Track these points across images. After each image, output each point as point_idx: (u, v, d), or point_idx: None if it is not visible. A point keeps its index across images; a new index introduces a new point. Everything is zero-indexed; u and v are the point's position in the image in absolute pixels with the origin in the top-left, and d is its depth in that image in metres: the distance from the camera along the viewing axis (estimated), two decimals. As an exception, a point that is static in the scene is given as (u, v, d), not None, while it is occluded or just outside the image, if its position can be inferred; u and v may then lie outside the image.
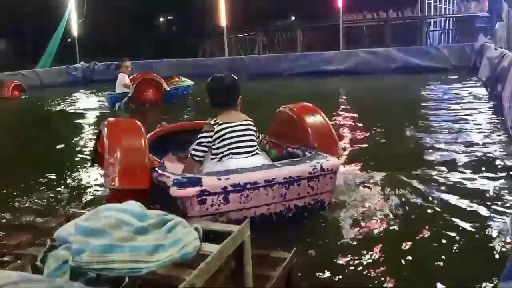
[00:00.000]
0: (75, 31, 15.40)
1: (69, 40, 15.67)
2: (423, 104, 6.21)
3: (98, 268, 1.30)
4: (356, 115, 5.67)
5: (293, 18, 21.44)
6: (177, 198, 2.10)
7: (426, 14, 16.29)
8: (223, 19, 13.57)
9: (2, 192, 2.96)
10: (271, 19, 18.26)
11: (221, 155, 2.42)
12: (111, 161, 2.17)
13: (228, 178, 2.14)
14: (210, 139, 2.42)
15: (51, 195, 2.66)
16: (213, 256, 1.38)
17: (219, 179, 2.12)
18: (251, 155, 2.46)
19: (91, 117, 6.87)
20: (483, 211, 2.38)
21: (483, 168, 3.11)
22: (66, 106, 8.46)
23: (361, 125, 5.04)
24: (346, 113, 5.94)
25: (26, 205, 2.31)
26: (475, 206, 2.43)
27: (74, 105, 8.47)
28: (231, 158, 2.41)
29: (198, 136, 2.45)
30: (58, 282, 0.89)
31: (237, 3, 14.66)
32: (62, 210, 1.88)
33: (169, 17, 27.42)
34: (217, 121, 2.45)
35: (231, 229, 1.61)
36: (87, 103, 8.60)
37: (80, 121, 6.51)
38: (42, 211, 1.91)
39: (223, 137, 2.42)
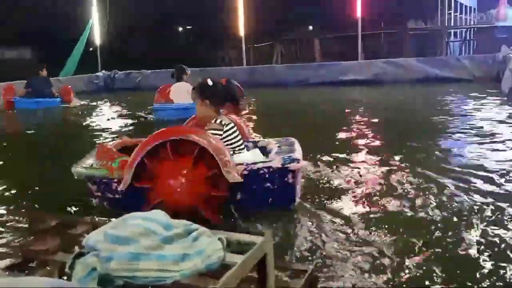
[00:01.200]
0: (97, 40, 15.74)
1: (91, 49, 16.01)
2: (441, 115, 6.14)
3: (125, 276, 1.32)
4: (371, 122, 5.69)
5: (310, 28, 21.54)
6: (296, 171, 2.58)
7: (446, 25, 16.14)
8: (241, 29, 13.69)
9: (30, 197, 3.04)
10: (288, 29, 18.37)
11: (232, 151, 2.69)
12: (226, 159, 2.41)
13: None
14: (220, 137, 2.66)
15: (78, 202, 2.72)
16: (238, 267, 1.39)
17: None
18: (246, 150, 2.85)
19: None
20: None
21: (501, 176, 3.08)
22: (111, 115, 8.09)
23: (374, 130, 5.07)
24: (361, 120, 5.96)
25: (53, 211, 2.36)
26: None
27: (116, 116, 7.94)
28: (240, 152, 2.75)
29: (209, 132, 2.64)
30: (92, 289, 0.91)
31: (255, 13, 14.79)
32: (88, 217, 1.92)
33: (187, 27, 27.88)
34: (223, 122, 2.74)
35: (254, 240, 1.62)
36: (130, 113, 7.98)
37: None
38: (69, 218, 1.95)
39: (231, 136, 2.74)
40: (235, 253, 1.58)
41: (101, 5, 15.68)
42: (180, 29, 28.08)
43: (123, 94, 11.61)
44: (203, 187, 2.40)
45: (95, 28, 15.67)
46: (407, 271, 1.91)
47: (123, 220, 1.55)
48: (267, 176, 2.51)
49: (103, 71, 14.74)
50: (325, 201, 2.76)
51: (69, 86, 10.24)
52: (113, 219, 1.57)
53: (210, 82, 2.85)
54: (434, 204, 2.61)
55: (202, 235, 1.56)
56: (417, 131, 5.05)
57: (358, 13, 11.84)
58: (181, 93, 6.46)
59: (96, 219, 1.89)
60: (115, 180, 2.52)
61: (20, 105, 8.88)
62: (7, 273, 1.41)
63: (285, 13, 17.68)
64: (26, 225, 1.96)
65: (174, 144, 2.39)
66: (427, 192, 2.80)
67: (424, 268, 1.92)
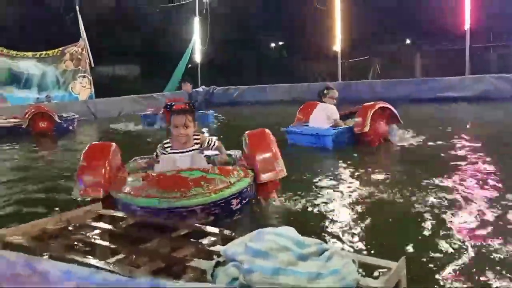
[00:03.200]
0: (198, 57, 16.76)
1: (189, 65, 17.05)
2: None
3: (266, 288, 1.37)
4: (474, 144, 5.20)
5: (408, 41, 20.66)
6: None
7: None
8: (337, 44, 13.58)
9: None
10: (385, 43, 17.82)
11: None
12: None
13: None
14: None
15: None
16: (378, 291, 1.36)
17: None
18: None
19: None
20: None
21: None
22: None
23: (476, 153, 4.62)
24: (462, 140, 5.49)
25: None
26: None
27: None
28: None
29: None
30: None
31: (350, 26, 14.61)
32: (216, 228, 2.02)
33: (280, 43, 28.49)
34: None
35: (388, 265, 1.58)
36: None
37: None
38: (198, 228, 2.08)
39: None
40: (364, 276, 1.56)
41: (202, 25, 16.69)
42: (273, 44, 28.79)
43: (222, 108, 12.11)
44: None
45: (196, 46, 16.72)
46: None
47: (258, 234, 1.61)
48: None
49: (203, 86, 15.60)
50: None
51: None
52: (249, 233, 1.64)
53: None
54: None
55: (335, 255, 1.56)
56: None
57: (467, 25, 11.09)
58: (320, 116, 5.55)
59: (225, 232, 1.98)
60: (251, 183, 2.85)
61: None
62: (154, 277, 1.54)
63: (382, 26, 17.19)
64: (161, 232, 2.11)
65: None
66: None
67: None
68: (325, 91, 5.60)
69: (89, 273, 1.13)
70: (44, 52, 13.48)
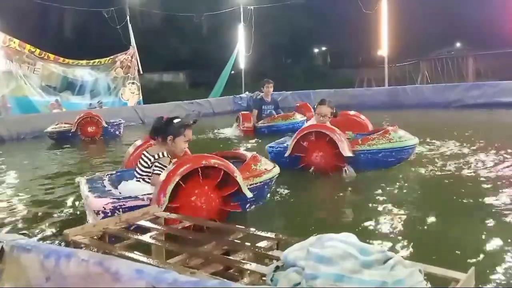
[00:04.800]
0: (242, 63, 16.94)
1: (232, 72, 17.26)
2: None
3: (330, 296, 1.34)
4: None
5: (458, 44, 19.88)
6: None
7: None
8: (383, 48, 13.29)
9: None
10: (435, 47, 17.24)
11: None
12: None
13: None
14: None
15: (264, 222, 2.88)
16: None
17: None
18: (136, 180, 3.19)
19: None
20: None
21: None
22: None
23: None
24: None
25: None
26: None
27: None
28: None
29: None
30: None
31: (398, 30, 14.26)
32: (272, 233, 2.01)
33: (323, 48, 28.29)
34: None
35: (455, 276, 1.50)
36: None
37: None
38: (254, 232, 2.07)
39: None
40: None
41: (247, 31, 16.86)
42: (316, 50, 28.63)
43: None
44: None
45: (240, 53, 16.91)
46: None
47: (318, 240, 1.58)
48: None
49: (247, 92, 15.73)
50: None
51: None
52: (309, 238, 1.62)
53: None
54: None
55: (399, 264, 1.50)
56: None
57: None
58: None
59: (280, 236, 1.96)
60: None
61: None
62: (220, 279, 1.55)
63: (430, 29, 16.65)
64: (216, 235, 2.13)
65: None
66: None
67: None
68: (315, 106, 4.50)
69: (158, 273, 1.16)
70: (97, 60, 14.12)
